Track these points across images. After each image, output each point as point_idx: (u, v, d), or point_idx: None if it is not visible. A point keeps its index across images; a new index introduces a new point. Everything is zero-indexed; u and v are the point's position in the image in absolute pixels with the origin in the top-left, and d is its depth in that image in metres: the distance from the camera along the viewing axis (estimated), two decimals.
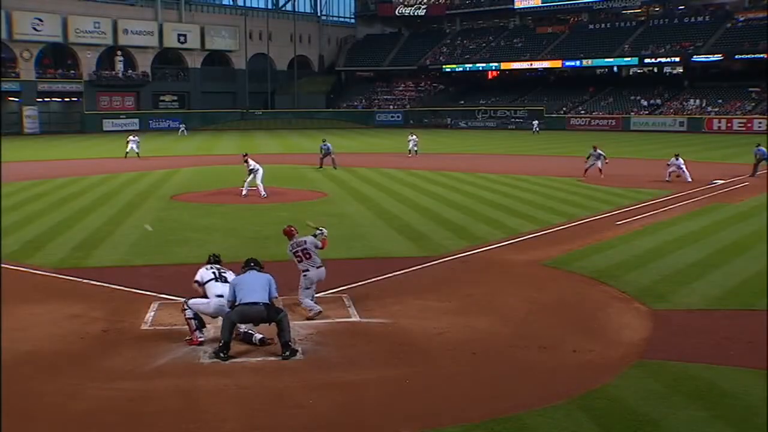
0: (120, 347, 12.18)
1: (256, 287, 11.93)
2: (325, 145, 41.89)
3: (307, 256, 13.98)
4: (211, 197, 30.05)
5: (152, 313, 13.91)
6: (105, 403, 10.02)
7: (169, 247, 20.18)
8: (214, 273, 12.87)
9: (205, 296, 12.67)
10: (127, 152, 49.17)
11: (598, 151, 36.09)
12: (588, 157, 36.20)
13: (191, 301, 12.63)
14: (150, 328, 13.18)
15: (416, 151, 49.71)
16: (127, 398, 10.13)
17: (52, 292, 15.62)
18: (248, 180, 29.38)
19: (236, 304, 11.77)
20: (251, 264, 12.43)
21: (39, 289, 16.04)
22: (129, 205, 27.87)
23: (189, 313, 12.58)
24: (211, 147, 61.65)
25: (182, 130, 79.64)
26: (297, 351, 11.73)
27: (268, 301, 11.83)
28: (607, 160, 35.95)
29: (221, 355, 11.54)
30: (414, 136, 50.98)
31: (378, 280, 16.23)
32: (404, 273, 17.01)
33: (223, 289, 12.52)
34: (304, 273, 13.92)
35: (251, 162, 29.71)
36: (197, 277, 12.86)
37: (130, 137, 50.80)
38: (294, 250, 14.04)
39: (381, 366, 11.36)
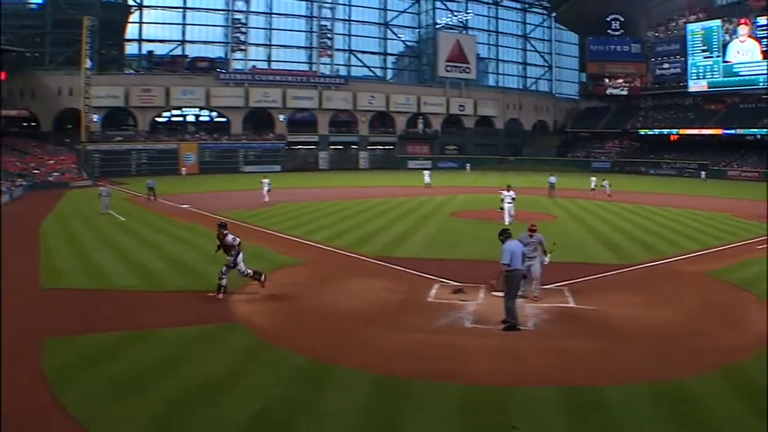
0: (412, 311, 12.63)
1: (520, 256, 11.63)
2: (552, 178, 40.69)
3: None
4: (478, 215, 29.69)
5: (434, 291, 14.22)
6: (403, 346, 10.52)
7: (449, 248, 20.53)
8: (235, 238, 13.70)
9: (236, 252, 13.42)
10: (428, 183, 48.04)
11: None
12: None
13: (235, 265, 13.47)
14: (433, 300, 13.50)
15: (595, 188, 43.45)
16: (417, 345, 10.52)
17: (372, 272, 16.39)
18: (509, 208, 25.75)
19: (512, 268, 11.27)
20: (509, 233, 11.89)
21: (364, 269, 16.90)
22: (423, 217, 28.38)
23: (223, 279, 13.28)
24: (479, 181, 61.74)
25: (467, 169, 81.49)
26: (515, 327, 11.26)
27: None
28: None
29: (519, 328, 11.20)
30: (594, 178, 46.12)
31: (590, 279, 15.58)
32: (607, 275, 16.20)
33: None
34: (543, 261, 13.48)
35: (512, 191, 26.55)
36: (234, 242, 13.54)
37: (425, 172, 51.96)
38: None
39: (588, 338, 10.99)
